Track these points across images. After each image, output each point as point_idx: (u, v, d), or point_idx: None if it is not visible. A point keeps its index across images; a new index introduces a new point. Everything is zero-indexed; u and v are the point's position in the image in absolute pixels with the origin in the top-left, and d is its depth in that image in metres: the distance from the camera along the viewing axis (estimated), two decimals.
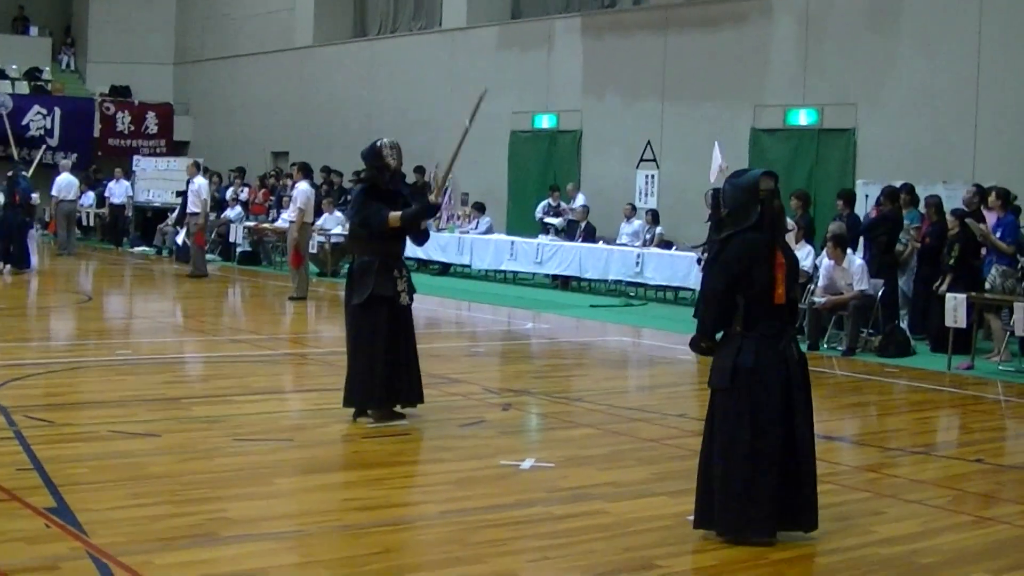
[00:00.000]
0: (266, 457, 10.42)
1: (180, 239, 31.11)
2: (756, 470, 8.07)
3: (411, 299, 11.97)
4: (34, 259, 28.22)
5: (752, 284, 8.20)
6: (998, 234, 18.13)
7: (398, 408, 11.92)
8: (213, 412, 12.17)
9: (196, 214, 27.92)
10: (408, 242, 12.20)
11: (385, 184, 11.87)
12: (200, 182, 28.45)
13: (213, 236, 31.72)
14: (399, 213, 11.66)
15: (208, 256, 29.41)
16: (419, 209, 11.79)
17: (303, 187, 24.71)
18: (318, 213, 30.06)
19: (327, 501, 9.00)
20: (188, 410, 12.25)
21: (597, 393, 14.40)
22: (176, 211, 33.29)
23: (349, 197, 32.35)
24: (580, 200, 28.25)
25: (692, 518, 8.39)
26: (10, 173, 28.48)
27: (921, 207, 20.57)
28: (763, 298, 8.21)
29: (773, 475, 8.11)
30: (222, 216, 33.06)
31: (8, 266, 26.57)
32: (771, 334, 8.23)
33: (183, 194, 31.07)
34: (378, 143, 11.98)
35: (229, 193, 34.42)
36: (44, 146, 39.07)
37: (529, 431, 12.62)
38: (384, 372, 11.65)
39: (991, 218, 18.77)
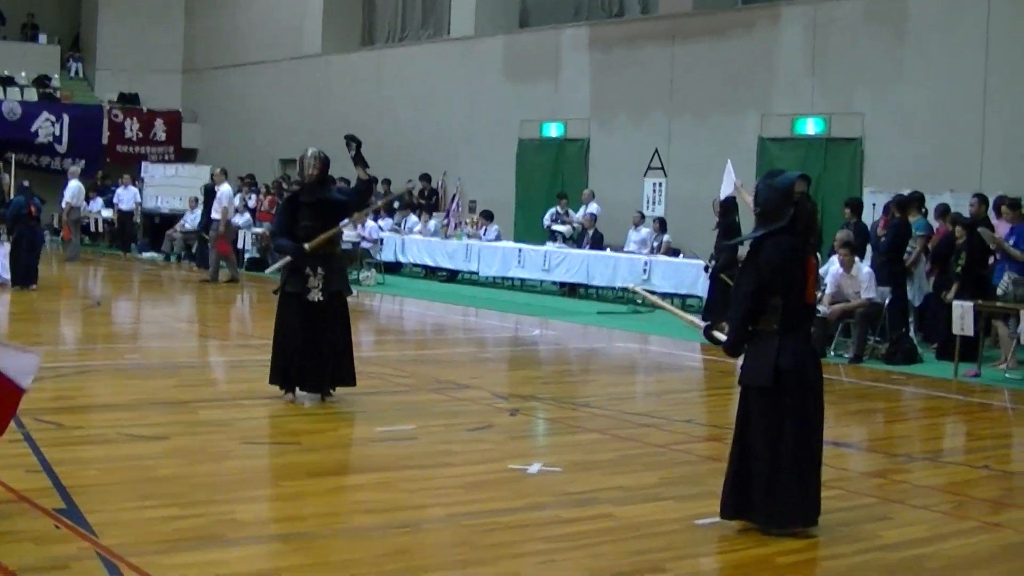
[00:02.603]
0: (274, 460, 10.47)
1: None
2: (805, 467, 8.29)
3: (326, 296, 12.84)
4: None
5: (789, 285, 8.28)
6: (1011, 242, 18.19)
7: (307, 393, 13.00)
8: (221, 416, 12.22)
9: (217, 221, 28.10)
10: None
11: (306, 194, 13.03)
12: (224, 189, 28.61)
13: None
14: (283, 241, 13.07)
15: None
16: (294, 251, 12.82)
17: (225, 190, 28.92)
18: None
19: (335, 504, 9.03)
20: (196, 413, 12.28)
21: (604, 399, 14.42)
22: (199, 217, 33.14)
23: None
24: (593, 207, 28.25)
25: (701, 521, 8.44)
26: (25, 183, 27.44)
27: (931, 216, 20.64)
28: (797, 298, 8.32)
29: (817, 469, 8.44)
30: (231, 223, 33.06)
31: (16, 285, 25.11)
32: (805, 334, 8.39)
33: (207, 201, 31.22)
34: (304, 152, 13.22)
35: (237, 200, 34.42)
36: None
37: (537, 436, 12.64)
38: (286, 360, 12.77)
39: (1003, 227, 18.81)
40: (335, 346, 12.86)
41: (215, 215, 28.43)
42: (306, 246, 12.74)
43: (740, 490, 8.44)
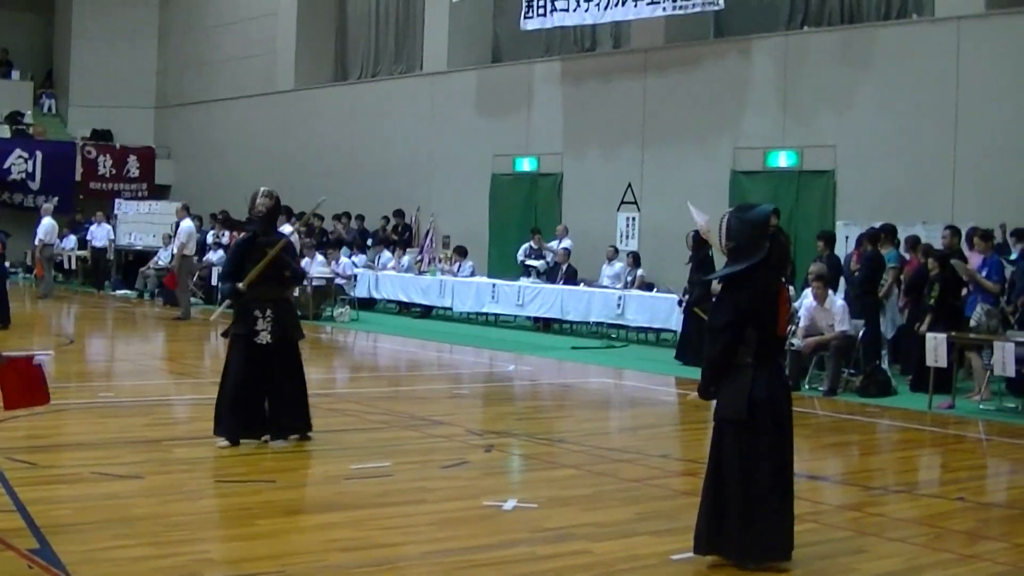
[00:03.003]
0: (249, 498, 10.41)
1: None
2: (779, 500, 8.28)
3: (275, 339, 12.55)
4: None
5: (764, 318, 8.31)
6: (984, 273, 18.30)
7: (265, 439, 12.57)
8: (195, 454, 12.15)
9: (186, 257, 28.15)
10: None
11: (261, 233, 12.75)
12: (186, 225, 28.60)
13: (195, 279, 31.57)
14: (224, 284, 13.04)
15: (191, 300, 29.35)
16: (229, 291, 12.78)
17: (185, 225, 28.76)
18: (300, 255, 30.06)
19: (310, 542, 8.98)
20: (170, 452, 12.21)
21: (579, 434, 14.42)
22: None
23: (328, 239, 32.53)
24: (566, 242, 28.28)
25: (677, 556, 8.45)
26: None
27: (903, 248, 20.75)
28: (771, 331, 8.35)
29: (790, 502, 8.43)
30: (204, 260, 32.99)
31: None
32: (777, 366, 8.41)
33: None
34: (256, 191, 12.90)
35: (210, 237, 34.40)
36: None
37: (512, 472, 12.62)
38: (233, 405, 12.45)
39: (976, 258, 18.93)
40: (286, 392, 12.61)
41: (173, 250, 28.43)
42: (240, 285, 12.62)
43: (714, 524, 8.43)
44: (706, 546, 8.47)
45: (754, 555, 8.35)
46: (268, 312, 12.52)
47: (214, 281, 31.55)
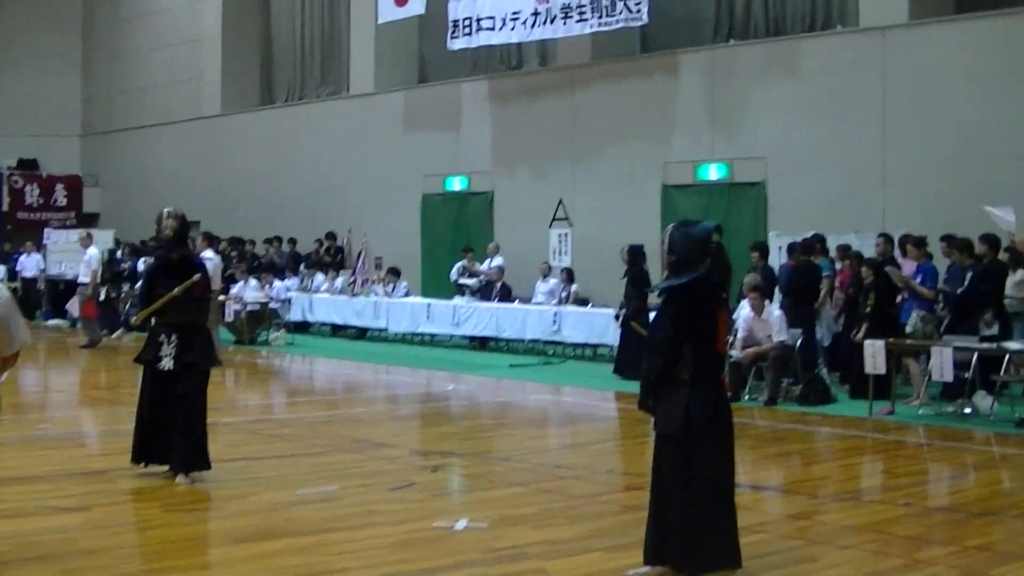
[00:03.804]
0: (197, 527, 10.36)
1: (74, 309, 30.68)
2: (717, 512, 8.26)
3: (178, 365, 12.12)
4: None
5: (701, 333, 8.35)
6: (918, 280, 18.51)
7: (166, 469, 12.19)
8: (141, 484, 12.01)
9: (85, 284, 27.89)
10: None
11: (169, 257, 12.48)
12: (91, 253, 28.40)
13: (128, 307, 31.34)
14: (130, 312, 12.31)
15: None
16: (122, 323, 12.38)
17: (91, 252, 28.47)
18: (232, 281, 29.95)
19: (261, 570, 8.90)
20: (115, 483, 12.06)
21: (523, 452, 14.42)
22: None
23: (261, 263, 32.38)
24: (499, 260, 28.28)
25: (632, 572, 8.47)
26: None
27: (834, 256, 20.93)
28: (707, 347, 8.39)
29: (732, 511, 8.42)
30: (136, 287, 32.72)
31: None
32: (714, 381, 8.43)
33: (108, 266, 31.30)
34: (161, 213, 12.47)
35: (141, 264, 34.14)
36: None
37: (460, 492, 12.60)
38: (140, 430, 12.22)
39: (909, 266, 19.14)
40: (182, 421, 12.01)
41: (83, 279, 28.21)
42: (132, 319, 12.43)
43: (659, 536, 8.47)
44: (653, 557, 8.52)
45: (697, 566, 8.36)
46: (173, 337, 12.11)
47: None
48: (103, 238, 36.72)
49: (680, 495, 8.34)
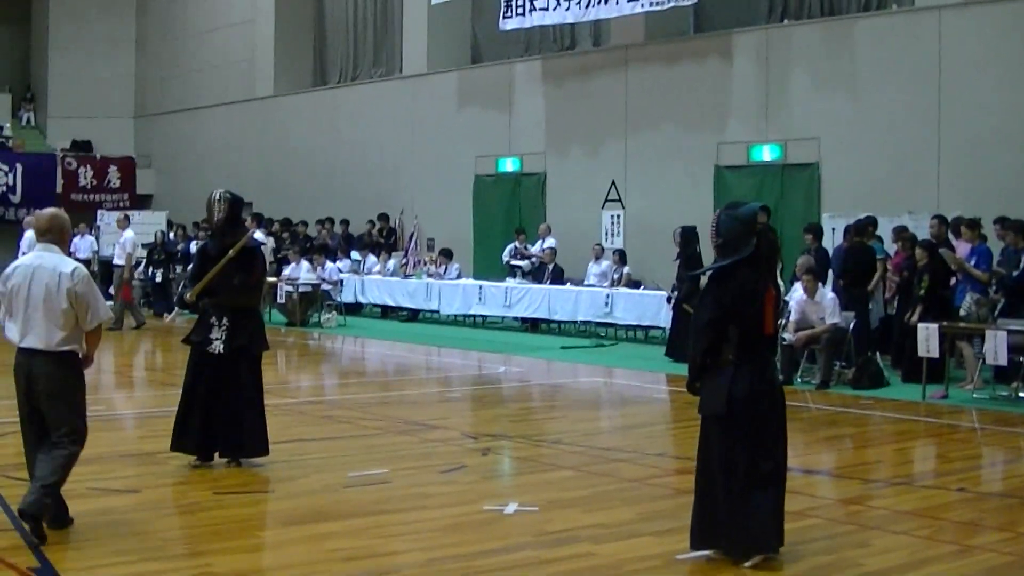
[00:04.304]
0: (248, 510, 10.37)
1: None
2: (758, 492, 8.24)
3: (228, 350, 11.88)
4: None
5: (746, 315, 8.31)
6: (972, 262, 18.32)
7: (218, 458, 11.99)
8: (191, 466, 12.04)
9: (121, 267, 27.95)
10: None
11: (215, 240, 12.24)
12: (127, 235, 28.42)
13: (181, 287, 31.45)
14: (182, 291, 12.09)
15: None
16: (177, 300, 12.17)
17: (127, 235, 28.60)
18: (284, 262, 30.04)
19: (312, 552, 8.90)
20: (166, 464, 12.06)
21: (575, 435, 14.38)
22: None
23: (313, 244, 32.41)
24: (551, 241, 28.23)
25: (682, 556, 8.44)
26: None
27: (888, 239, 20.75)
28: (754, 329, 8.34)
29: (774, 495, 8.39)
30: (190, 269, 32.82)
31: None
32: (761, 363, 8.38)
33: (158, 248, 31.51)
34: (211, 195, 12.21)
35: (194, 245, 34.24)
36: None
37: (510, 475, 12.58)
38: (184, 418, 11.92)
39: (964, 248, 18.94)
40: (233, 408, 11.86)
41: (118, 261, 28.25)
42: (186, 295, 12.33)
43: (705, 519, 8.49)
44: (699, 541, 8.52)
45: (739, 548, 8.37)
46: (224, 320, 11.90)
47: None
48: (156, 219, 36.89)
49: (723, 478, 8.34)
